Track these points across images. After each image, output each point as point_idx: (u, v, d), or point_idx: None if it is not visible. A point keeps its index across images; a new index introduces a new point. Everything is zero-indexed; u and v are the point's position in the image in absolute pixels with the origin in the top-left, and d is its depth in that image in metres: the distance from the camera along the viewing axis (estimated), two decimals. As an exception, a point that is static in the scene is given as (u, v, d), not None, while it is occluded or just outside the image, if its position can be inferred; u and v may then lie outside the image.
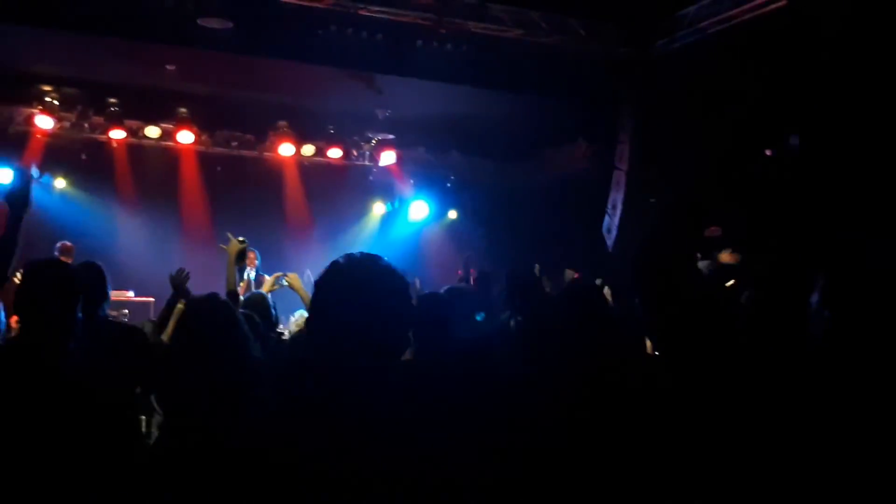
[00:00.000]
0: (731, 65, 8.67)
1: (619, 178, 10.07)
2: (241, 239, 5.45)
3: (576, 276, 9.02)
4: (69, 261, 8.87)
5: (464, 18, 8.83)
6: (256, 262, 9.70)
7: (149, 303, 10.53)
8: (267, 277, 8.17)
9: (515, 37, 9.09)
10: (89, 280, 3.97)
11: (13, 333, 6.25)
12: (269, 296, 5.82)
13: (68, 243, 9.33)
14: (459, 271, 9.61)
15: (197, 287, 7.71)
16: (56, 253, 8.97)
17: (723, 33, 8.56)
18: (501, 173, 13.25)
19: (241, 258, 5.52)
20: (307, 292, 6.46)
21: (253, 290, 9.17)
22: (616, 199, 10.09)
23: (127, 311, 10.07)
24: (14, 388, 2.69)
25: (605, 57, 9.39)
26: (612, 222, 10.13)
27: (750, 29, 8.32)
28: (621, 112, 10.11)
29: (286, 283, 6.55)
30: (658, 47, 9.20)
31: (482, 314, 4.23)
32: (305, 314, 6.65)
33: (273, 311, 5.57)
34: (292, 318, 7.57)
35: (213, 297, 3.18)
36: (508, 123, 11.37)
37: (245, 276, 9.06)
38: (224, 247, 5.45)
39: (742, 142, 9.09)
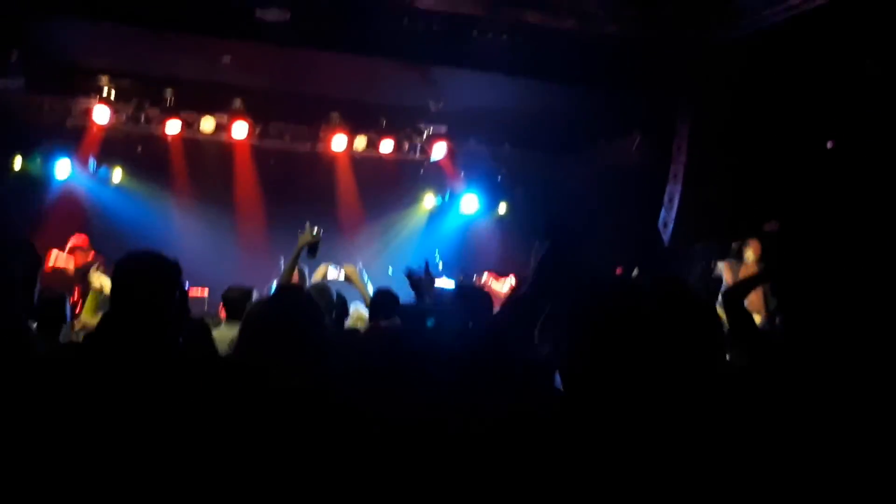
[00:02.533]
0: (794, 55, 8.48)
1: (677, 170, 9.90)
2: (316, 232, 5.41)
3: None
4: (86, 255, 8.92)
5: (520, 8, 8.74)
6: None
7: (203, 294, 10.61)
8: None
9: (572, 27, 8.95)
10: None
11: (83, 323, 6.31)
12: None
13: (83, 235, 9.32)
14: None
15: (250, 279, 7.74)
16: (70, 245, 8.99)
17: (785, 23, 8.35)
18: (554, 166, 13.13)
19: (312, 251, 5.48)
20: (364, 285, 6.43)
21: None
22: (673, 192, 9.93)
23: None
24: (131, 378, 2.65)
25: (663, 47, 9.21)
26: (668, 216, 9.97)
27: (813, 19, 8.11)
28: (680, 103, 9.94)
29: (342, 277, 6.52)
30: (718, 36, 9.00)
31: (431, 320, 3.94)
32: (362, 308, 6.63)
33: (334, 302, 5.52)
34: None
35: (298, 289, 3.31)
36: (562, 116, 11.25)
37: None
38: (301, 233, 5.42)
39: (803, 135, 8.90)
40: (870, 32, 7.79)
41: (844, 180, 8.31)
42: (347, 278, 6.56)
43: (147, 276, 2.82)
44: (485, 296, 4.35)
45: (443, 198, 13.79)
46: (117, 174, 11.64)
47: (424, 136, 12.51)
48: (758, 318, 7.26)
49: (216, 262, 11.22)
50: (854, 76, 8.28)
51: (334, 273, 6.71)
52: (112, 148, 11.42)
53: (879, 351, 2.77)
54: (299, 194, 11.91)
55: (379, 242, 12.99)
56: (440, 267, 10.56)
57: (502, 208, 13.77)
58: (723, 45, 9.00)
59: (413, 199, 13.75)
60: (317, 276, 6.52)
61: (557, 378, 2.53)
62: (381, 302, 5.07)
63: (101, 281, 6.41)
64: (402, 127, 12.36)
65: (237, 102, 11.21)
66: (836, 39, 7.97)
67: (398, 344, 3.38)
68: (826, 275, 2.93)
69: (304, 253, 5.67)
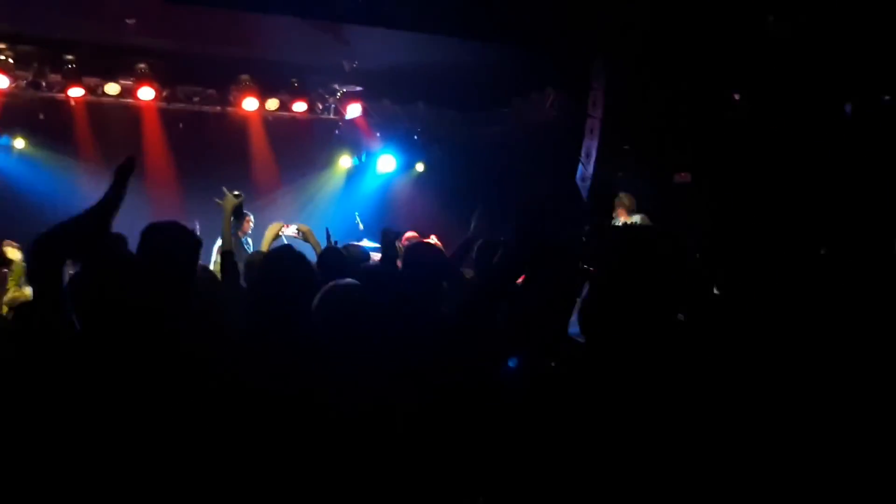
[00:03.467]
0: (704, 8, 8.58)
1: (594, 125, 9.96)
2: (236, 193, 5.28)
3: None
4: None
5: (433, -37, 8.63)
6: (251, 226, 9.48)
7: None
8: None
9: (485, -17, 8.89)
10: None
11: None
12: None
13: None
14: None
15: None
16: None
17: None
18: (468, 124, 13.11)
19: (237, 214, 5.36)
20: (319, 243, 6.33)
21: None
22: (590, 146, 10.01)
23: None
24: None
25: (576, 2, 9.21)
26: (586, 171, 10.06)
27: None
28: (594, 58, 9.97)
29: (297, 235, 6.43)
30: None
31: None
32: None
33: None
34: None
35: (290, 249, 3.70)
36: (475, 73, 11.18)
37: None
38: (219, 202, 5.25)
39: (714, 86, 9.06)
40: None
41: (752, 131, 8.50)
42: (303, 236, 6.46)
43: (181, 247, 3.17)
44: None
45: (359, 158, 13.66)
46: (19, 142, 11.19)
47: (338, 96, 12.31)
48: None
49: (128, 230, 10.90)
50: (758, 30, 8.44)
51: (288, 231, 6.59)
52: (13, 115, 10.92)
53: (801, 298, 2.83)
54: (211, 157, 11.64)
55: (296, 204, 12.83)
56: (360, 227, 10.49)
57: (420, 167, 13.72)
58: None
59: (329, 159, 13.59)
60: (269, 234, 6.34)
61: (574, 326, 2.54)
62: (329, 262, 4.97)
63: (17, 255, 6.20)
64: (315, 87, 12.13)
65: (142, 66, 10.80)
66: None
67: (359, 302, 3.44)
68: (737, 226, 2.99)
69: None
